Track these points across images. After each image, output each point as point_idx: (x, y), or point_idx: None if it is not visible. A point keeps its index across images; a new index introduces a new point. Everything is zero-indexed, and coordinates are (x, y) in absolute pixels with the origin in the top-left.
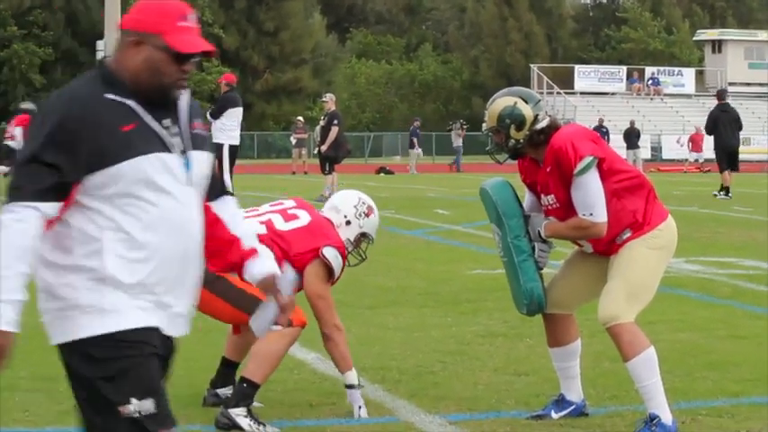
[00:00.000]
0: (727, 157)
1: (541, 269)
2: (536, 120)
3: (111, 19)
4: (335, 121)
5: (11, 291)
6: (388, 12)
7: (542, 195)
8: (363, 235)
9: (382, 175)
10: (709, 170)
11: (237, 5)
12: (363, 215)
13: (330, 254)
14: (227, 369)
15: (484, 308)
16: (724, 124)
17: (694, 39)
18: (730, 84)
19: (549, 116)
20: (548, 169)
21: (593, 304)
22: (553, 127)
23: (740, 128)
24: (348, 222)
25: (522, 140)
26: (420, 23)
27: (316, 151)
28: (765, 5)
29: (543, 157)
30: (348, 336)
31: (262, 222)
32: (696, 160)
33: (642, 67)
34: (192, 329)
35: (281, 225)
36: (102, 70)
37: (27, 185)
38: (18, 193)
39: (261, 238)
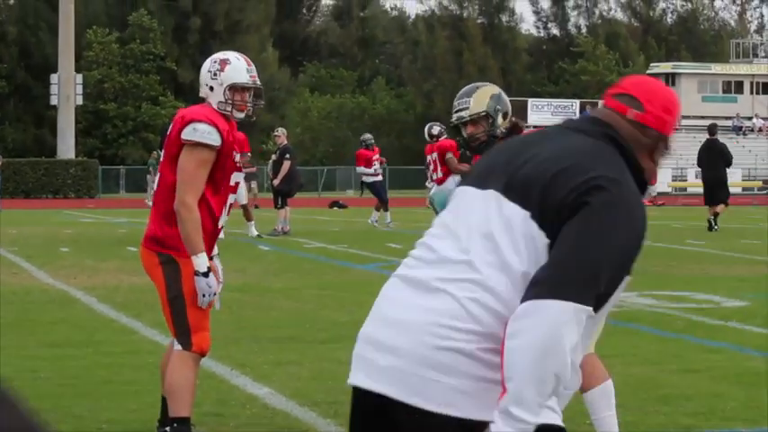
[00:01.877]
0: (709, 192)
1: None
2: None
3: (65, 53)
4: (288, 155)
5: None
6: (341, 45)
7: None
8: (232, 87)
9: (335, 209)
10: (662, 203)
11: (191, 39)
12: (218, 72)
13: (186, 131)
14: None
15: None
16: (710, 158)
17: (648, 72)
18: (684, 117)
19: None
20: None
21: None
22: (519, 126)
23: (727, 162)
24: (211, 88)
25: (504, 130)
26: (373, 57)
27: (269, 185)
28: (718, 39)
29: None
30: (301, 370)
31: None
32: (650, 194)
33: (595, 100)
34: (143, 364)
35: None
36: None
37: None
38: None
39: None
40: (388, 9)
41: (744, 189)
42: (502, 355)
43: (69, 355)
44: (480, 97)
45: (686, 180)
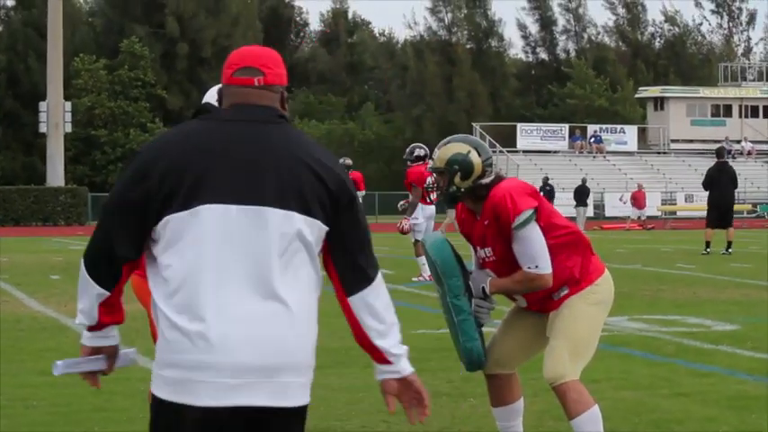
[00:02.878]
0: (718, 215)
1: (482, 326)
2: (483, 174)
3: (53, 80)
4: None
5: None
6: (329, 71)
7: (478, 248)
8: None
9: None
10: (652, 227)
11: (179, 66)
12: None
13: None
14: None
15: (428, 368)
16: (721, 182)
17: (636, 96)
18: (673, 141)
19: (496, 174)
20: (485, 222)
21: (536, 363)
22: (496, 182)
23: (736, 186)
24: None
25: (462, 189)
26: (362, 83)
27: None
28: (707, 63)
29: (480, 210)
30: None
31: None
32: (639, 217)
33: (584, 125)
34: (134, 391)
35: None
36: None
37: None
38: None
39: None
40: (377, 34)
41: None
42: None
43: (61, 383)
44: (444, 153)
45: (675, 203)
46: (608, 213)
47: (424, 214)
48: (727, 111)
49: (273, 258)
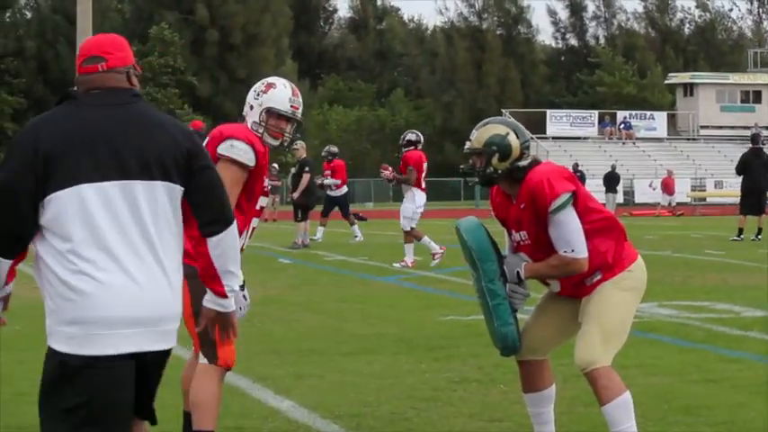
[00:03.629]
0: (754, 200)
1: (516, 311)
2: (521, 156)
3: None
4: (307, 168)
5: None
6: (358, 58)
7: (513, 231)
8: (268, 111)
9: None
10: (681, 213)
11: (209, 52)
12: (261, 93)
13: (223, 147)
14: (191, 420)
15: (457, 354)
16: (755, 168)
17: (666, 82)
18: (702, 127)
19: (533, 157)
20: (522, 206)
21: (567, 349)
22: (533, 165)
23: None
24: (251, 107)
25: (500, 171)
26: (391, 69)
27: (289, 198)
28: (736, 49)
29: (517, 193)
30: (323, 383)
31: None
32: (669, 204)
33: (614, 111)
34: (165, 379)
35: None
36: None
37: None
38: None
39: None
40: (406, 21)
41: None
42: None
43: None
44: (482, 134)
45: (705, 190)
46: (638, 200)
47: (423, 201)
48: (757, 97)
49: (147, 224)
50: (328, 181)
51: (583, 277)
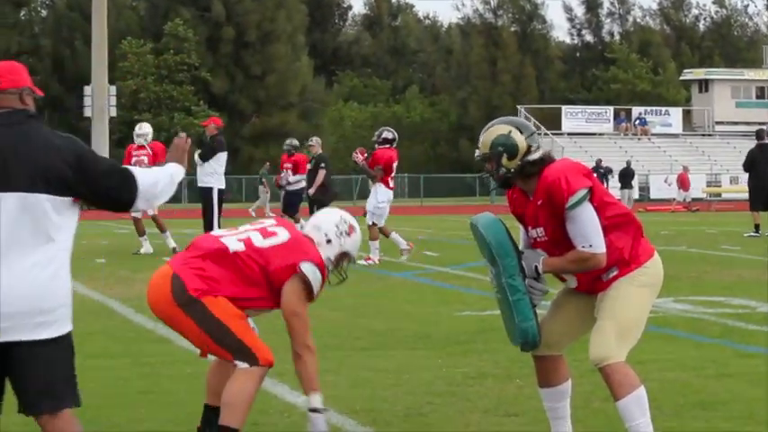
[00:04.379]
0: (765, 196)
1: (535, 306)
2: (529, 151)
3: (98, 65)
4: (322, 165)
5: None
6: (373, 55)
7: (530, 228)
8: (344, 254)
9: None
10: (697, 209)
11: (223, 49)
12: (345, 234)
13: (308, 269)
14: (211, 415)
15: (473, 349)
16: (762, 164)
17: (681, 78)
18: (717, 123)
19: (544, 151)
20: (539, 202)
21: (583, 344)
22: (546, 160)
23: None
24: (329, 241)
25: (512, 170)
26: (406, 66)
27: (304, 194)
28: (752, 45)
29: (533, 189)
30: (339, 378)
31: (240, 240)
32: (684, 199)
33: (629, 107)
34: (180, 375)
35: (259, 242)
36: None
37: None
38: None
39: (239, 255)
40: (420, 17)
41: None
42: None
43: (106, 366)
44: (487, 138)
45: (720, 186)
46: (653, 195)
47: (387, 198)
48: None
49: (35, 230)
50: (292, 179)
51: (599, 273)
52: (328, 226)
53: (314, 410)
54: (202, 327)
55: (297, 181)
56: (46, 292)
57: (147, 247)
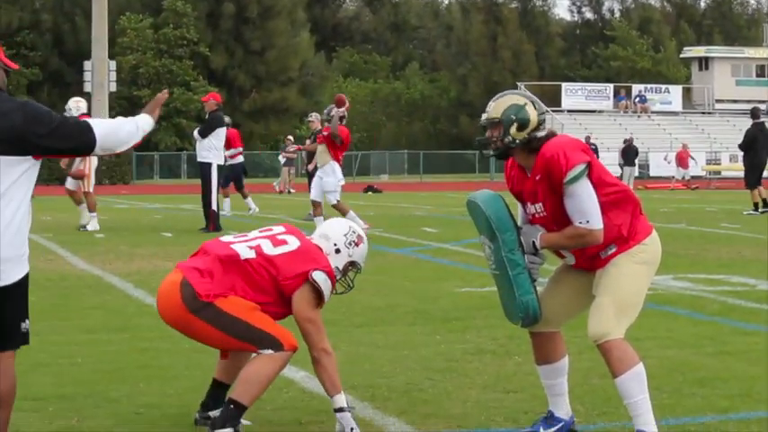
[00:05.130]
0: (760, 174)
1: (535, 281)
2: (538, 127)
3: (98, 40)
4: None
5: None
6: (373, 30)
7: (529, 204)
8: (352, 263)
9: (370, 193)
10: (696, 187)
11: (224, 25)
12: (353, 244)
13: (320, 278)
14: (218, 391)
15: (473, 325)
16: (761, 143)
17: (681, 56)
18: (717, 101)
19: (549, 130)
20: (537, 177)
21: (582, 321)
22: (550, 138)
23: None
24: (338, 251)
25: (518, 141)
26: (406, 42)
27: (303, 170)
28: (752, 23)
29: (532, 165)
30: (337, 354)
31: (251, 248)
32: (683, 177)
33: (629, 84)
34: (179, 349)
35: (269, 250)
36: None
37: None
38: None
39: (250, 263)
40: None
41: None
42: None
43: (106, 341)
44: (500, 105)
45: (720, 164)
46: (652, 173)
47: (339, 174)
48: None
49: None
50: (228, 153)
51: (597, 250)
52: (337, 236)
53: (339, 410)
54: (220, 328)
55: (232, 155)
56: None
57: (94, 225)
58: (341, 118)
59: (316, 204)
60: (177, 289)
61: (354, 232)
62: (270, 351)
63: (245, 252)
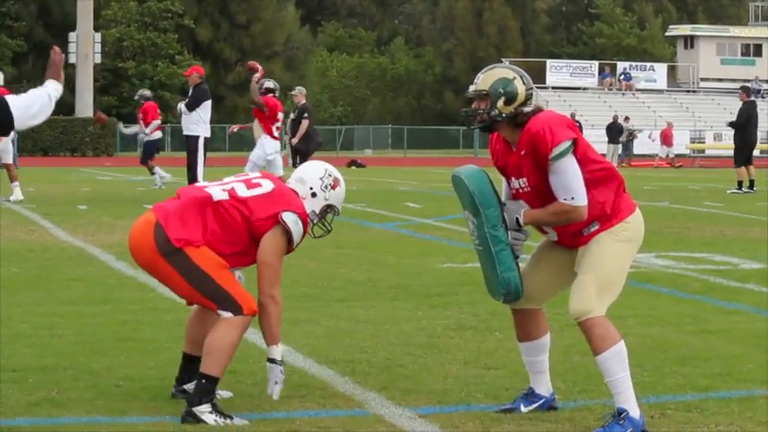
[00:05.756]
0: (750, 153)
1: (517, 257)
2: (525, 102)
3: (83, 11)
4: (306, 114)
5: None
6: (359, 5)
7: (513, 178)
8: (329, 207)
9: (353, 168)
10: (680, 165)
11: None
12: (329, 187)
13: (290, 218)
14: (190, 364)
15: (454, 301)
16: (754, 122)
17: (666, 34)
18: (702, 79)
19: (536, 105)
20: (522, 152)
21: (564, 298)
22: (537, 113)
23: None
24: (314, 194)
25: (504, 115)
26: (392, 17)
27: (287, 144)
28: (737, 1)
29: (517, 140)
30: (318, 328)
31: (224, 190)
32: (667, 155)
33: (614, 62)
34: (160, 322)
35: (243, 192)
36: None
37: None
38: None
39: (222, 204)
40: None
41: (762, 152)
42: None
43: (87, 313)
44: (488, 77)
45: (704, 142)
46: (636, 151)
47: (274, 149)
48: (758, 50)
49: None
50: (148, 129)
51: (580, 227)
52: (313, 179)
53: (271, 360)
54: (185, 277)
55: (152, 130)
56: None
57: (17, 194)
58: (269, 89)
59: None
60: (151, 229)
61: (330, 175)
62: (229, 314)
63: (218, 194)
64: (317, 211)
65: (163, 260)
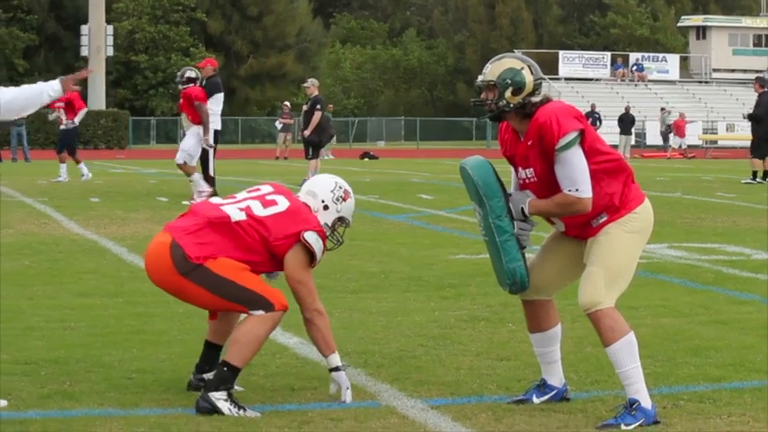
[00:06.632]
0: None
1: (524, 248)
2: (533, 92)
3: (95, 4)
4: (318, 106)
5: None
6: None
7: (520, 168)
8: (340, 219)
9: (366, 160)
10: (693, 156)
11: None
12: (341, 199)
13: (311, 238)
14: (211, 352)
15: (467, 293)
16: None
17: (679, 25)
18: (714, 70)
19: (545, 95)
20: (529, 142)
21: (575, 289)
22: (545, 103)
23: None
24: (326, 207)
25: (512, 105)
26: (404, 8)
27: (300, 136)
28: None
29: (525, 130)
30: (331, 320)
31: (241, 209)
32: (680, 146)
33: (627, 53)
34: (173, 314)
35: (259, 211)
36: None
37: None
38: None
39: (241, 225)
40: None
41: None
42: None
43: (99, 305)
44: (497, 67)
45: (716, 133)
46: (649, 142)
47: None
48: None
49: None
50: (54, 115)
51: (589, 218)
52: (324, 192)
53: (335, 369)
54: (211, 289)
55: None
56: None
57: None
58: (191, 79)
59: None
60: (167, 250)
61: (341, 188)
62: (261, 312)
63: (236, 214)
64: (330, 224)
65: (184, 279)
